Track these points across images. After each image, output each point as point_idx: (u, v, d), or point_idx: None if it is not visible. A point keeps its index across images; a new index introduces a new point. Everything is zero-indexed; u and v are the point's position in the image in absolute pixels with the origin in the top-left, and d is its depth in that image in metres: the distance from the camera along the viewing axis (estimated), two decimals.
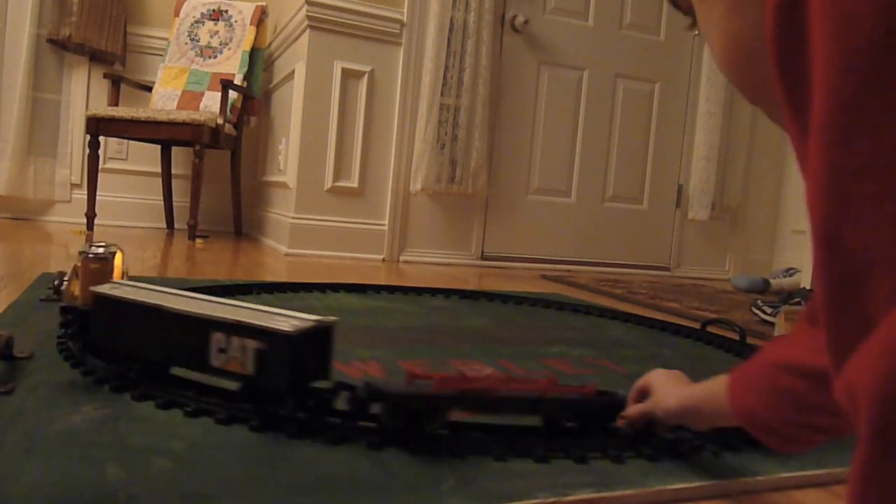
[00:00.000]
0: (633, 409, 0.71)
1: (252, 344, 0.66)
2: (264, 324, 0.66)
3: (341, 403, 0.68)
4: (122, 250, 1.19)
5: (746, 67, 0.38)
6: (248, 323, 0.67)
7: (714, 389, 0.61)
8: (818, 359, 0.52)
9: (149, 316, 0.74)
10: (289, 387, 0.66)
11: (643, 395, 0.71)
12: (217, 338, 0.69)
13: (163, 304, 0.73)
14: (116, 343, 0.78)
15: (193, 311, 0.71)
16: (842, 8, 0.23)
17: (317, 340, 0.69)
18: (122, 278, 1.19)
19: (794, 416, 0.54)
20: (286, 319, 0.67)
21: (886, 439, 0.21)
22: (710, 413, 0.62)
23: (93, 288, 0.80)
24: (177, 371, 0.76)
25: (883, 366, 0.21)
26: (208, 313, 0.70)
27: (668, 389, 0.68)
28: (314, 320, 0.68)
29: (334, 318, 0.70)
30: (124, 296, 0.76)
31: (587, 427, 0.69)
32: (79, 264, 0.95)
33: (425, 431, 0.64)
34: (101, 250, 1.05)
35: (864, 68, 0.22)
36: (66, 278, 1.05)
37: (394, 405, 0.64)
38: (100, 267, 1.00)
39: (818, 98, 0.24)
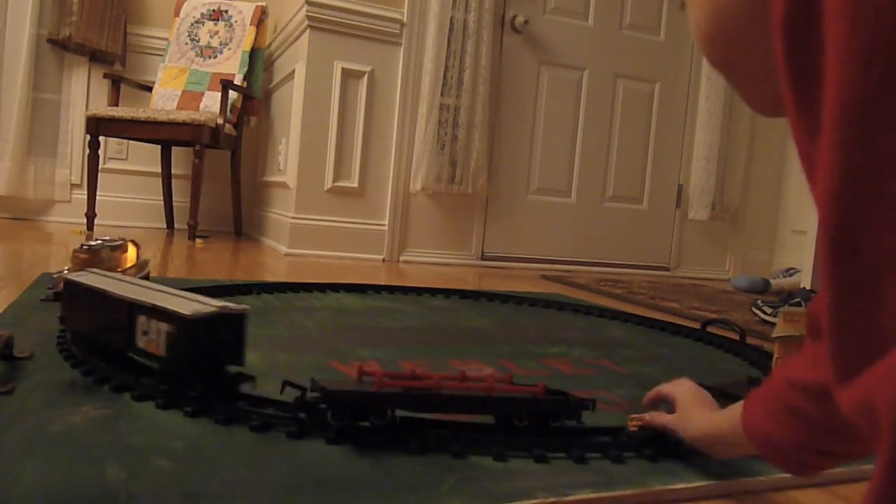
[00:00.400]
0: (655, 420, 0.68)
1: (164, 327, 0.71)
2: (171, 307, 0.70)
3: (248, 388, 0.72)
4: (137, 245, 1.23)
5: (727, 38, 0.37)
6: (160, 307, 0.71)
7: (736, 417, 0.58)
8: (817, 374, 0.50)
9: (95, 299, 0.79)
10: (188, 368, 0.70)
11: (662, 402, 0.69)
12: (141, 321, 0.74)
13: (106, 288, 0.78)
14: (78, 324, 0.85)
15: (125, 295, 0.75)
16: (861, 2, 0.21)
17: (222, 326, 0.72)
18: (138, 272, 1.23)
19: (803, 437, 0.52)
20: (191, 304, 0.71)
21: None
22: (732, 443, 0.59)
23: (65, 275, 0.85)
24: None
25: None
26: (135, 297, 0.74)
27: (694, 412, 0.65)
28: (218, 306, 0.71)
29: (245, 306, 0.74)
30: (82, 281, 0.81)
31: (538, 426, 0.69)
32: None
33: (370, 428, 0.64)
34: (95, 243, 1.08)
35: (885, 63, 0.21)
36: (66, 269, 1.08)
37: (336, 403, 0.64)
38: (88, 257, 1.04)
39: (831, 94, 0.22)
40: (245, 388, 0.72)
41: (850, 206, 0.22)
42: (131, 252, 1.22)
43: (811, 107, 0.24)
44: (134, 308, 0.74)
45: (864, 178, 0.22)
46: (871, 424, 0.22)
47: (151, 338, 0.72)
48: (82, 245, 1.10)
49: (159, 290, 0.78)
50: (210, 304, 0.72)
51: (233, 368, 0.74)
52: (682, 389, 0.68)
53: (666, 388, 0.70)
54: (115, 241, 1.19)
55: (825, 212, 0.23)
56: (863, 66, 0.21)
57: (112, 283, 0.81)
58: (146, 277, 1.29)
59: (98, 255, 1.09)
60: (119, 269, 1.13)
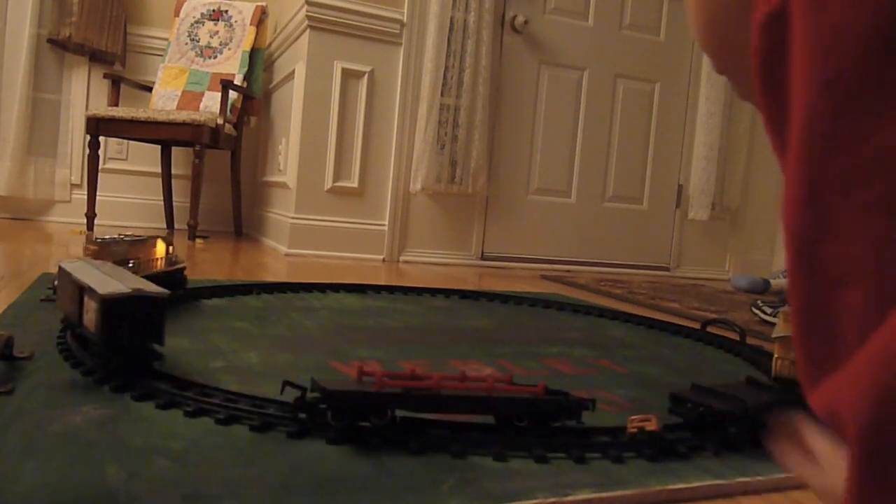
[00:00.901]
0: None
1: (94, 305, 0.77)
2: (96, 288, 0.76)
3: (157, 365, 0.79)
4: (168, 242, 1.27)
5: (720, 36, 0.37)
6: (90, 287, 0.77)
7: None
8: None
9: (68, 283, 0.86)
10: (104, 343, 0.76)
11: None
12: (85, 300, 0.80)
13: (72, 273, 0.84)
14: (61, 307, 0.91)
15: (79, 277, 0.81)
16: (824, 29, 0.23)
17: (137, 306, 0.77)
18: (167, 266, 1.27)
19: None
20: (115, 286, 0.77)
21: (876, 467, 0.21)
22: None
23: (59, 262, 0.91)
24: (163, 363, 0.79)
25: (869, 391, 0.21)
26: (82, 279, 0.80)
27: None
28: (134, 288, 0.77)
29: (164, 290, 0.80)
30: (64, 267, 0.88)
31: (538, 426, 0.69)
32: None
33: (370, 428, 0.64)
34: (108, 237, 1.12)
35: (845, 85, 0.22)
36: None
37: (336, 403, 0.64)
38: (97, 249, 1.08)
39: (797, 114, 0.24)
40: (156, 364, 0.80)
41: (814, 218, 0.23)
42: (160, 247, 1.28)
43: (782, 126, 0.25)
44: (81, 289, 0.81)
45: (827, 192, 0.23)
46: (840, 430, 0.22)
47: (90, 316, 0.78)
48: (96, 238, 1.12)
49: (111, 275, 0.84)
50: (129, 285, 0.78)
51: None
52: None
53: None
54: (137, 237, 1.23)
55: (790, 222, 0.24)
56: (825, 90, 0.22)
57: (84, 269, 0.86)
58: (181, 272, 1.33)
59: (107, 249, 1.11)
60: (131, 262, 1.16)
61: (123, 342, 0.77)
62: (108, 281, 0.80)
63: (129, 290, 0.76)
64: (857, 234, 0.22)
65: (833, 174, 0.23)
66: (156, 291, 0.79)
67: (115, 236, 1.17)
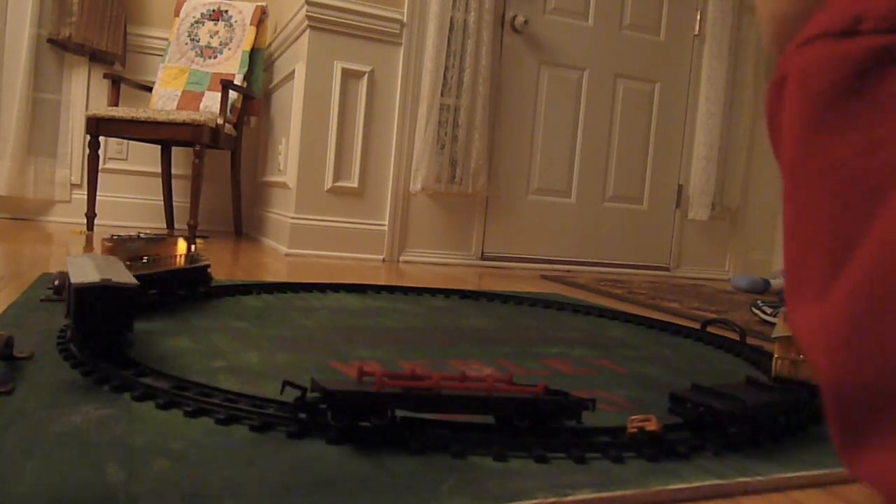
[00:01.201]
0: None
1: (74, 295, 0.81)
2: (72, 278, 0.80)
3: (131, 353, 0.83)
4: (191, 242, 1.29)
5: (788, 42, 0.40)
6: (69, 277, 0.81)
7: None
8: None
9: (66, 277, 0.90)
10: (75, 330, 0.81)
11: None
12: (72, 292, 0.83)
13: (69, 266, 0.88)
14: (66, 301, 0.92)
15: (70, 270, 0.85)
16: (802, 91, 0.34)
17: (106, 296, 0.80)
18: (188, 263, 1.30)
19: None
20: (91, 275, 0.80)
21: (840, 416, 0.29)
22: None
23: (67, 258, 0.95)
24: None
25: (833, 337, 0.30)
26: (72, 272, 0.84)
27: None
28: (103, 278, 0.80)
29: (134, 282, 0.83)
30: (68, 261, 0.91)
31: (538, 426, 0.69)
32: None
33: (370, 428, 0.64)
34: (124, 234, 1.14)
35: (809, 126, 0.34)
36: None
37: (336, 403, 0.64)
38: (112, 246, 1.11)
39: (786, 143, 0.36)
40: (125, 352, 0.83)
41: (792, 208, 0.36)
42: (181, 246, 1.31)
43: (781, 150, 0.38)
44: (69, 281, 0.84)
45: (797, 193, 0.35)
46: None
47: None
48: (112, 235, 1.15)
49: (99, 268, 0.86)
50: (99, 277, 0.81)
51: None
52: None
53: None
54: (156, 235, 1.26)
55: (785, 209, 0.37)
56: (797, 130, 0.35)
57: (81, 262, 0.90)
58: (204, 269, 1.34)
59: (122, 246, 1.13)
60: (145, 258, 1.18)
61: (92, 329, 0.80)
62: (89, 272, 0.83)
63: (98, 280, 0.79)
64: (813, 220, 0.33)
65: (801, 181, 0.35)
66: (126, 282, 0.81)
67: (133, 234, 1.19)
